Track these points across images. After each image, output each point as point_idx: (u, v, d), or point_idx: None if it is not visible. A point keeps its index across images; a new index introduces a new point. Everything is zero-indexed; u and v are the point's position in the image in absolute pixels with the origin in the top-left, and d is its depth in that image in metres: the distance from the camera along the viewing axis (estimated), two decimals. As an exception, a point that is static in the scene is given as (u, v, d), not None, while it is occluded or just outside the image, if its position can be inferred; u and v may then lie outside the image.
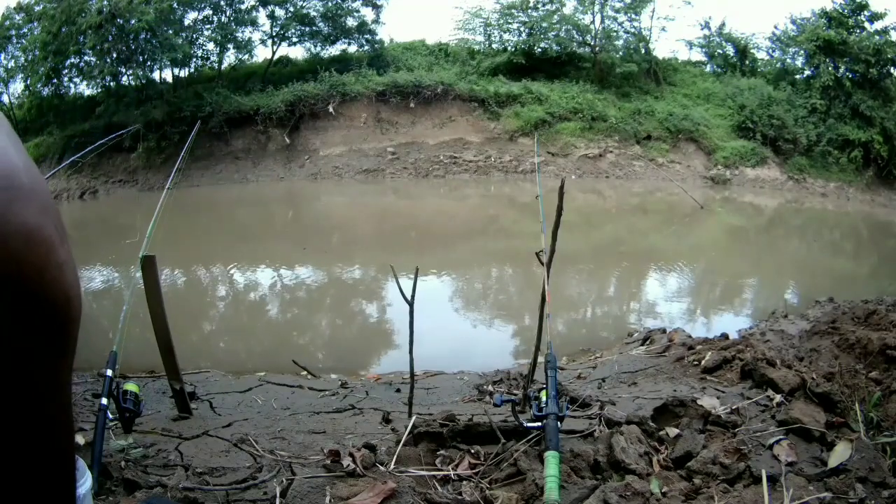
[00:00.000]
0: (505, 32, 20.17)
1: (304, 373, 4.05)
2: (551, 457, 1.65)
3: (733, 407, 2.27)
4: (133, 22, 15.59)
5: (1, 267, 0.38)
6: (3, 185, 0.40)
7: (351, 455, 1.84)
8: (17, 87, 19.44)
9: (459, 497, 1.69)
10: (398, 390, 3.46)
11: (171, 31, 16.87)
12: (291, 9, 19.21)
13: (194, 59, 18.62)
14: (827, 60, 17.51)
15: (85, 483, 1.39)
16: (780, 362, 2.72)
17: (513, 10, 19.78)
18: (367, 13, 19.94)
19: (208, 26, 18.58)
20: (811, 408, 2.14)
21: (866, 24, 17.76)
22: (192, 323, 5.79)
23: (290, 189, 15.78)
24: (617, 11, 19.64)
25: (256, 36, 19.56)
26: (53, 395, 0.45)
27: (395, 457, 1.87)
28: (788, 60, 20.28)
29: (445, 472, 1.81)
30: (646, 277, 7.93)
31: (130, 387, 2.19)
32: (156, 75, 18.23)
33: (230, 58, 19.61)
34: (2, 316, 0.39)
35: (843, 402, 2.18)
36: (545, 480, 1.61)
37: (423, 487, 1.73)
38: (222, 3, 18.39)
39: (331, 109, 16.98)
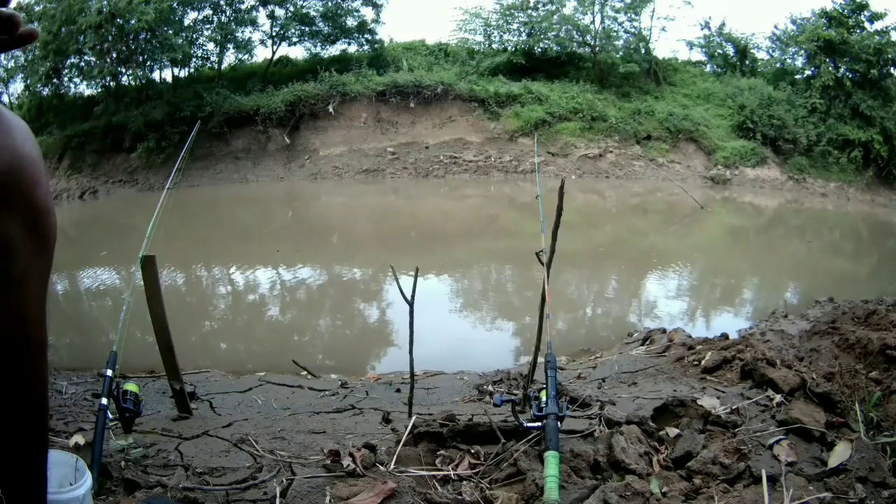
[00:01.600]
0: (505, 33, 20.20)
1: (304, 373, 4.05)
2: (551, 457, 1.65)
3: (733, 407, 2.27)
4: (133, 22, 15.59)
5: (15, 177, 0.57)
6: (17, 127, 0.60)
7: (351, 455, 1.84)
8: (17, 87, 19.45)
9: (459, 497, 1.69)
10: (398, 390, 3.46)
11: (171, 31, 16.87)
12: (291, 9, 19.22)
13: (194, 59, 18.62)
14: (827, 60, 17.51)
15: (85, 483, 1.39)
16: (780, 362, 2.71)
17: (513, 11, 19.79)
18: (367, 13, 19.97)
19: (208, 26, 18.58)
20: (811, 408, 2.14)
21: (866, 24, 17.77)
22: (192, 323, 5.79)
23: (290, 189, 15.78)
24: (617, 11, 19.65)
25: (256, 36, 19.59)
26: (33, 281, 0.61)
27: (395, 457, 1.87)
28: (788, 60, 20.31)
29: (445, 472, 1.81)
30: (646, 277, 7.93)
31: (130, 387, 2.19)
32: (156, 75, 18.25)
33: (230, 58, 19.63)
34: (8, 212, 0.57)
35: (843, 402, 2.18)
36: (545, 480, 1.61)
37: (423, 487, 1.73)
38: (222, 3, 18.39)
39: (331, 109, 16.98)
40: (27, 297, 0.58)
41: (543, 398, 1.90)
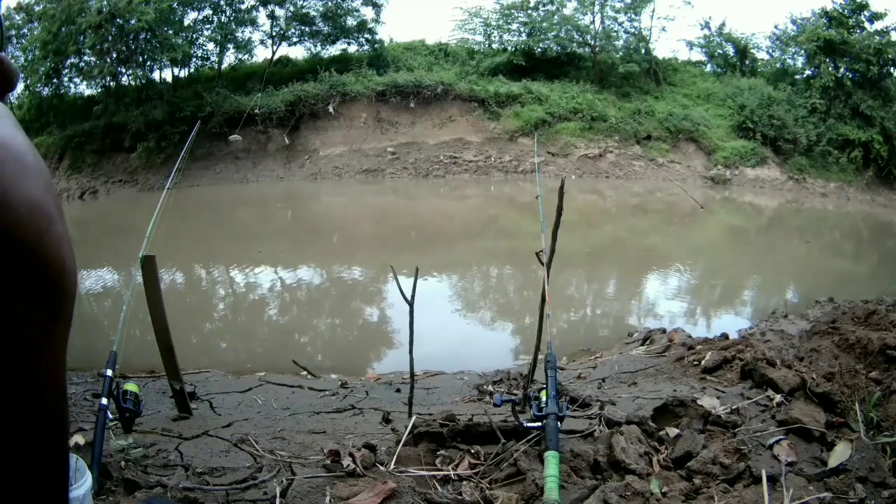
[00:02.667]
0: (505, 33, 20.20)
1: (304, 373, 4.05)
2: (551, 457, 1.64)
3: (733, 407, 2.27)
4: (133, 22, 15.59)
5: (6, 232, 0.42)
6: (13, 161, 0.45)
7: (351, 455, 1.84)
8: (17, 86, 19.43)
9: (459, 497, 1.69)
10: (398, 390, 3.46)
11: (171, 31, 16.87)
12: (291, 8, 19.21)
13: (194, 59, 18.63)
14: (827, 60, 17.51)
15: (85, 483, 1.39)
16: (780, 362, 2.71)
17: (513, 11, 19.79)
18: (367, 12, 19.95)
19: (208, 26, 18.58)
20: (811, 408, 2.14)
21: (866, 24, 17.77)
22: (192, 323, 5.79)
23: (290, 189, 15.78)
24: (617, 12, 19.65)
25: (256, 36, 19.58)
26: (46, 358, 0.48)
27: (395, 457, 1.87)
28: (788, 60, 20.31)
29: (445, 472, 1.81)
30: (646, 277, 7.93)
31: (130, 387, 2.19)
32: (156, 75, 18.25)
33: (230, 58, 19.63)
34: (4, 276, 0.43)
35: (843, 402, 2.18)
36: (545, 480, 1.61)
37: (423, 487, 1.73)
38: (222, 3, 18.39)
39: (331, 109, 16.98)
40: (38, 381, 0.46)
41: (543, 398, 1.90)
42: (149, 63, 17.50)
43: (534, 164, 15.68)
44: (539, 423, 1.85)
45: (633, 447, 1.88)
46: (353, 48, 20.42)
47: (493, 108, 17.40)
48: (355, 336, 5.77)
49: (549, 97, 17.66)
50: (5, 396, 0.45)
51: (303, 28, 19.72)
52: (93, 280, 7.52)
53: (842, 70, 17.66)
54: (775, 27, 22.22)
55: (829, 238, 12.37)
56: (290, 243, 9.83)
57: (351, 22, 19.82)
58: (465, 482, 1.77)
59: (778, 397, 2.32)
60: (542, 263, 2.33)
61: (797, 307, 5.90)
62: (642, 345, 4.39)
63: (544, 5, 19.80)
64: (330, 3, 19.47)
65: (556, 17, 19.47)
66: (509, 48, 19.83)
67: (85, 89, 19.02)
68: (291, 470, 1.86)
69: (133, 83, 17.83)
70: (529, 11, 19.74)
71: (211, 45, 18.90)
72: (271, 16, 19.25)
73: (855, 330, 3.50)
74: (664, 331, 4.66)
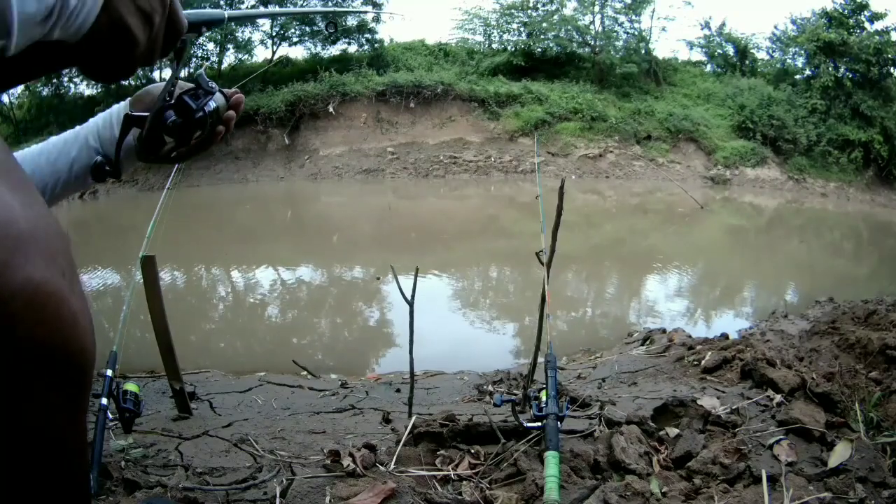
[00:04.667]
0: (505, 32, 20.23)
1: (304, 373, 4.06)
2: (551, 457, 1.64)
3: (733, 407, 2.26)
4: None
5: (6, 329, 0.36)
6: (15, 241, 0.36)
7: (351, 455, 1.84)
8: (17, 86, 19.45)
9: (459, 497, 1.69)
10: (398, 390, 3.46)
11: (170, 31, 16.88)
12: (291, 9, 19.22)
13: (194, 59, 18.62)
14: (827, 61, 17.53)
15: (85, 483, 1.39)
16: (780, 362, 2.71)
17: (513, 11, 19.81)
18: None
19: (208, 26, 18.59)
20: (811, 408, 2.14)
21: (866, 25, 17.79)
22: (192, 323, 5.79)
23: (290, 189, 15.78)
24: (617, 12, 19.69)
25: (256, 36, 19.60)
26: (69, 440, 0.44)
27: (395, 457, 1.87)
28: (788, 61, 20.34)
29: (445, 472, 1.81)
30: (646, 277, 7.93)
31: (130, 387, 2.19)
32: (156, 75, 18.22)
33: (230, 58, 19.64)
34: (15, 376, 0.37)
35: (843, 402, 2.18)
36: (545, 480, 1.61)
37: (423, 487, 1.73)
38: (222, 3, 18.39)
39: (331, 109, 16.99)
40: (62, 448, 0.42)
41: (543, 398, 1.90)
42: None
43: (534, 164, 15.69)
44: (539, 423, 1.85)
45: (633, 447, 1.88)
46: (353, 48, 20.45)
47: (493, 108, 17.41)
48: (355, 336, 5.77)
49: (549, 97, 17.68)
50: (31, 461, 0.43)
51: (303, 28, 19.74)
52: (93, 280, 7.52)
53: (842, 70, 17.68)
54: (775, 27, 22.29)
55: (829, 238, 12.37)
56: (291, 243, 9.82)
57: (351, 22, 19.84)
58: (465, 482, 1.77)
59: (778, 397, 2.32)
60: (542, 263, 2.33)
61: (797, 307, 5.91)
62: (642, 345, 4.40)
63: (544, 5, 19.84)
64: (330, 3, 19.47)
65: (555, 17, 19.50)
66: (509, 48, 19.85)
67: (85, 89, 19.04)
68: (291, 470, 1.86)
69: (133, 83, 17.82)
70: (529, 11, 19.77)
71: (211, 46, 18.94)
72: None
73: (855, 330, 3.50)
74: (664, 331, 4.66)
